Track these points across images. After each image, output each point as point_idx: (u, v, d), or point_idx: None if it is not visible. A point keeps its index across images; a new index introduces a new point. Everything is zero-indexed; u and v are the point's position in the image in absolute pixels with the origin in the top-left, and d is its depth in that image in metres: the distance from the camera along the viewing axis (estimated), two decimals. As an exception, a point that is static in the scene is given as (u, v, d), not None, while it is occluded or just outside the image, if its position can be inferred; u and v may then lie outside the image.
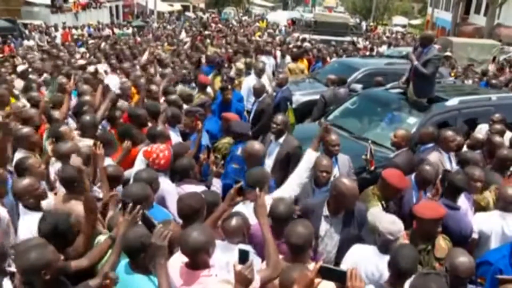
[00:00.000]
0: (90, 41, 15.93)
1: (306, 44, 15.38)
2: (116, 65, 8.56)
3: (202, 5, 45.94)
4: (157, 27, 24.84)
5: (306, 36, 18.41)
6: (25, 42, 17.12)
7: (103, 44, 13.53)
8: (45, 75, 7.91)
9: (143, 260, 2.51)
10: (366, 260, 2.96)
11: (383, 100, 6.35)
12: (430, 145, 4.93)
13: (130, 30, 22.85)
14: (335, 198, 3.33)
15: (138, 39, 17.72)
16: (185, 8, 41.84)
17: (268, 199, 3.16)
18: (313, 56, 12.60)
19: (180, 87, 7.00)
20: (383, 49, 17.74)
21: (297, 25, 25.06)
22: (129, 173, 4.08)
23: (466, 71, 11.62)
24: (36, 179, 3.27)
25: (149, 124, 4.96)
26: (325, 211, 3.38)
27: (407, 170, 4.23)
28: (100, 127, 4.95)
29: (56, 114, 4.94)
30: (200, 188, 3.68)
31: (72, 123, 5.19)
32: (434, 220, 3.22)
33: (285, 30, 25.35)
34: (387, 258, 2.86)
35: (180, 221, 3.12)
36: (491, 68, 13.65)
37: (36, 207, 3.18)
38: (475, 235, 3.65)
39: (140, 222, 2.72)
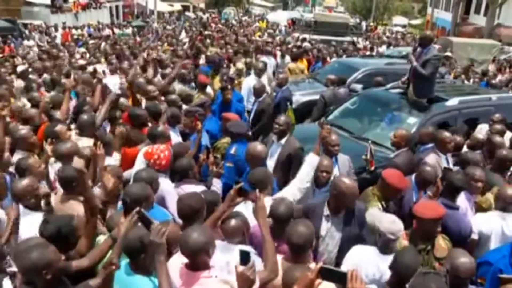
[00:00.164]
0: (91, 41, 15.92)
1: (306, 44, 15.38)
2: (117, 65, 8.56)
3: (202, 5, 45.94)
4: (159, 28, 24.77)
5: (306, 36, 18.42)
6: (25, 42, 17.12)
7: (103, 44, 13.54)
8: (45, 75, 7.91)
9: (143, 260, 2.51)
10: (366, 261, 2.96)
11: (383, 100, 6.35)
12: (430, 145, 4.92)
13: (130, 30, 22.85)
14: (335, 197, 3.33)
15: (138, 39, 17.73)
16: (185, 8, 41.84)
17: (269, 201, 3.16)
18: (312, 56, 12.60)
19: (179, 87, 7.00)
20: (383, 49, 17.73)
21: (297, 25, 25.05)
22: (129, 173, 4.08)
23: (467, 71, 11.62)
24: (35, 179, 3.27)
25: (149, 124, 4.96)
26: (326, 211, 3.38)
27: (407, 170, 4.23)
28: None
29: (57, 114, 4.94)
30: (200, 188, 3.68)
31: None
32: (434, 220, 3.22)
33: (285, 30, 25.34)
34: (387, 258, 2.87)
35: (180, 221, 3.12)
36: (491, 68, 13.65)
37: (37, 207, 3.18)
38: (475, 236, 3.65)
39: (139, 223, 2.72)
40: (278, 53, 12.21)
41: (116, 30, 22.93)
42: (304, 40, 16.95)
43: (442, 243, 3.27)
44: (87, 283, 2.43)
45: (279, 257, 2.75)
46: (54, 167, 3.90)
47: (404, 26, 42.74)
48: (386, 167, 4.10)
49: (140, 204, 2.86)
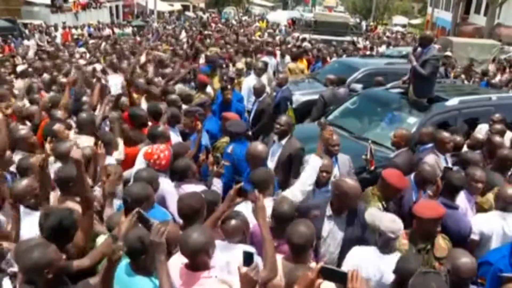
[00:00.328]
0: (91, 41, 15.92)
1: (306, 44, 15.38)
2: (117, 65, 8.56)
3: (202, 5, 45.90)
4: (160, 28, 24.76)
5: (306, 36, 18.41)
6: (25, 42, 17.12)
7: (103, 45, 13.54)
8: (45, 74, 7.91)
9: (144, 261, 2.51)
10: (367, 261, 2.96)
11: (383, 100, 6.35)
12: (430, 145, 4.92)
13: (130, 30, 22.84)
14: (338, 198, 3.33)
15: (138, 38, 17.72)
16: (185, 8, 41.82)
17: (270, 202, 3.15)
18: (312, 56, 12.60)
19: (179, 87, 7.00)
20: (383, 48, 17.74)
21: (297, 24, 25.05)
22: (129, 173, 4.09)
23: (468, 71, 11.62)
24: (34, 180, 3.26)
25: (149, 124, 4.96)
26: (329, 211, 3.37)
27: (407, 170, 4.24)
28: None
29: (58, 114, 4.95)
30: (200, 188, 3.68)
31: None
32: (434, 220, 3.22)
33: (285, 30, 25.33)
34: (388, 258, 2.87)
35: (180, 221, 3.12)
36: (491, 68, 13.64)
37: (37, 207, 3.18)
38: (476, 237, 3.64)
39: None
40: (278, 53, 12.21)
41: (116, 30, 22.92)
42: (304, 40, 16.95)
43: (442, 242, 3.27)
44: (87, 282, 2.43)
45: (280, 257, 2.76)
46: (54, 167, 3.89)
47: (404, 26, 42.74)
48: (386, 167, 4.10)
49: (141, 203, 2.86)
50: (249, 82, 7.69)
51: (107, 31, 21.50)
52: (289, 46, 14.00)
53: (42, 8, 25.74)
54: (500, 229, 3.59)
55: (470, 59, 13.45)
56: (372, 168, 4.73)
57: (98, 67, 8.28)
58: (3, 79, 7.09)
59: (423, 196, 3.97)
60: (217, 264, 2.58)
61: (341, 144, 4.48)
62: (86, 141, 4.22)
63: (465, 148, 5.10)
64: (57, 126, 4.30)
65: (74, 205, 3.15)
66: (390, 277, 2.82)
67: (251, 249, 2.59)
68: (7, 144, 3.93)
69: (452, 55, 12.99)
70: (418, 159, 4.67)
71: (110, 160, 4.09)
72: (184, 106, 5.79)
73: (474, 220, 3.76)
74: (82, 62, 9.40)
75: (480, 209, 4.00)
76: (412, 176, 4.21)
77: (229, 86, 6.57)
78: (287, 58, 11.51)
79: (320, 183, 3.95)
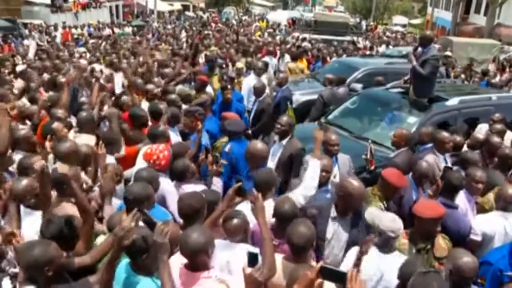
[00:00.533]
0: (91, 41, 15.93)
1: (306, 44, 15.38)
2: (117, 65, 8.56)
3: (202, 5, 45.91)
4: (160, 27, 24.74)
5: (306, 35, 18.41)
6: (25, 42, 17.12)
7: (103, 44, 13.54)
8: (44, 74, 7.91)
9: (145, 261, 2.51)
10: (367, 261, 2.96)
11: (383, 99, 6.35)
12: (430, 145, 4.92)
13: (130, 30, 22.83)
14: (342, 199, 3.32)
15: (138, 38, 17.72)
16: (185, 8, 41.83)
17: (271, 203, 3.15)
18: (312, 56, 12.59)
19: (179, 87, 7.00)
20: (382, 48, 17.74)
21: (297, 24, 25.03)
22: (130, 172, 4.08)
23: (468, 71, 11.61)
24: (34, 179, 3.26)
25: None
26: (333, 213, 3.36)
27: (406, 170, 4.24)
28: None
29: (59, 113, 4.94)
30: (200, 188, 3.68)
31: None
32: (434, 220, 3.21)
33: (285, 30, 25.33)
34: (388, 258, 2.87)
35: (181, 220, 3.12)
36: (491, 67, 13.63)
37: (38, 207, 3.17)
38: (478, 237, 3.63)
39: (141, 223, 2.71)
40: (278, 53, 12.22)
41: (116, 30, 22.93)
42: (304, 39, 16.95)
43: (442, 242, 3.27)
44: (86, 280, 2.44)
45: (280, 257, 2.76)
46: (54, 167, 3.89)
47: (404, 26, 42.74)
48: (386, 167, 4.10)
49: (141, 203, 2.86)
50: (249, 82, 7.69)
51: (107, 31, 21.52)
52: (288, 46, 14.00)
53: (42, 8, 25.76)
54: (502, 229, 3.58)
55: (470, 59, 13.44)
56: (372, 168, 4.74)
57: (98, 67, 8.28)
58: (3, 79, 7.09)
59: (423, 196, 3.97)
60: (218, 263, 2.58)
61: (341, 144, 4.47)
62: (86, 140, 4.22)
63: (465, 148, 5.10)
64: (56, 125, 4.29)
65: (69, 206, 3.15)
66: (390, 277, 2.82)
67: (255, 249, 2.59)
68: (9, 143, 3.93)
69: (452, 55, 12.98)
70: (418, 159, 4.67)
71: (110, 159, 4.09)
72: (184, 106, 5.80)
73: (475, 220, 3.75)
74: (83, 62, 9.38)
75: (481, 209, 3.99)
76: (410, 175, 4.21)
77: (229, 86, 6.57)
78: (287, 57, 11.52)
79: (320, 182, 3.94)
